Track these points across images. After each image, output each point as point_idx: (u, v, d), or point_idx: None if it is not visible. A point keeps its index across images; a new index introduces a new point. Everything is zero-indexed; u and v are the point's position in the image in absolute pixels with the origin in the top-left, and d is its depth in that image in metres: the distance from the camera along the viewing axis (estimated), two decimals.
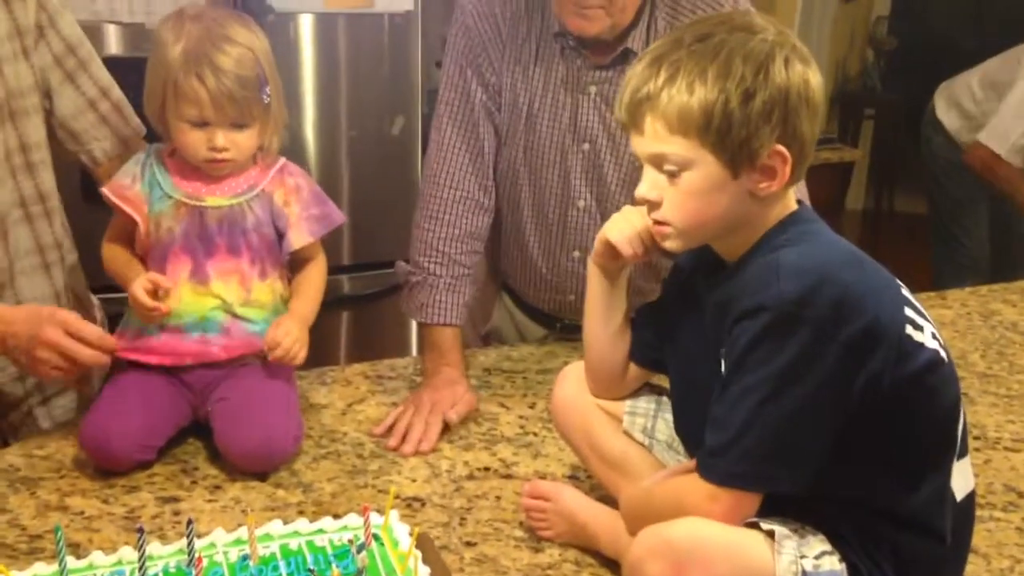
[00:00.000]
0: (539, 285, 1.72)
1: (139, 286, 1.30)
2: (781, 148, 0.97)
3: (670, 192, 0.99)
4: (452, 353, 1.58)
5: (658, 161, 0.99)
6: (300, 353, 1.36)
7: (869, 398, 0.95)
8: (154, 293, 1.31)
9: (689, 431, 1.13)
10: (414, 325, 1.74)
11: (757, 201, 0.99)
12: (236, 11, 1.40)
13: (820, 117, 1.00)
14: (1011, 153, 2.80)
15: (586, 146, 1.58)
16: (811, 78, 0.98)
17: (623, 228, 1.11)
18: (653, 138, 0.98)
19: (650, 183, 1.01)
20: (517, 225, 1.67)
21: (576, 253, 1.64)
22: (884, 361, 0.94)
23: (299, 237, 1.39)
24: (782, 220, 1.02)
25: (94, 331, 1.29)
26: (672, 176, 0.99)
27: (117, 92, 1.52)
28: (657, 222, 1.02)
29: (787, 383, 0.93)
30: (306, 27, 2.67)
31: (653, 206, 1.01)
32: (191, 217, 1.35)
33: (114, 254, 1.39)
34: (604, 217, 1.48)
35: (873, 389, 0.95)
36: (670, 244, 1.03)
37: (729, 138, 0.95)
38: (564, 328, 1.76)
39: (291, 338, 1.35)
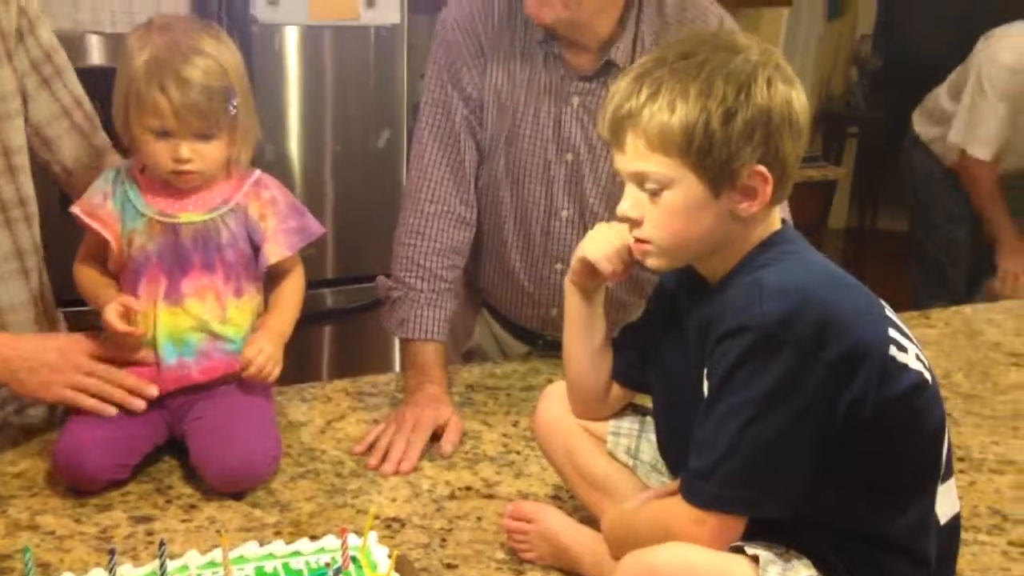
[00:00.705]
0: (521, 300, 1.70)
1: (112, 311, 1.28)
2: (762, 169, 0.96)
3: (652, 210, 0.99)
4: (434, 370, 1.55)
5: (639, 179, 0.99)
6: (274, 371, 1.34)
7: (853, 420, 0.94)
8: (127, 316, 1.29)
9: (673, 452, 1.12)
10: (398, 340, 1.72)
11: (739, 221, 0.99)
12: (208, 22, 1.39)
13: (804, 138, 0.99)
14: (982, 147, 2.83)
15: (569, 156, 1.58)
16: (794, 99, 0.97)
17: (601, 245, 1.10)
18: (634, 156, 0.98)
19: (632, 201, 1.00)
20: (499, 239, 1.66)
21: (559, 265, 1.63)
22: (868, 382, 0.94)
23: (275, 251, 1.37)
24: (764, 240, 1.01)
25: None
26: (653, 194, 0.98)
27: (89, 105, 1.51)
28: (639, 240, 1.01)
29: (770, 405, 0.92)
30: (291, 39, 2.66)
31: (634, 224, 1.01)
32: (165, 235, 1.33)
33: (87, 276, 1.38)
34: (586, 229, 1.48)
35: (857, 411, 0.94)
36: (652, 262, 1.03)
37: (710, 158, 0.95)
38: (546, 344, 1.75)
39: (264, 355, 1.33)
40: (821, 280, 0.98)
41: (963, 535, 1.23)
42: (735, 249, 1.01)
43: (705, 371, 0.98)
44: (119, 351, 1.33)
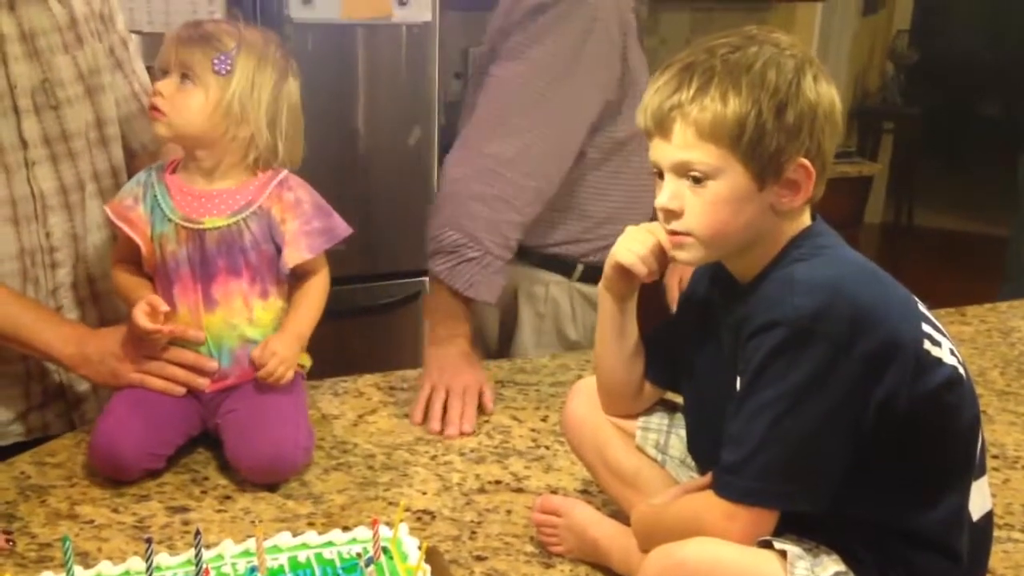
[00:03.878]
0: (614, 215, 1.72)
1: (139, 310, 1.31)
2: (806, 162, 0.97)
3: (693, 201, 0.98)
4: (466, 326, 1.61)
5: (683, 169, 0.98)
6: (286, 374, 1.35)
7: (887, 415, 0.94)
8: (154, 315, 1.31)
9: (703, 451, 1.12)
10: (427, 335, 1.73)
11: (777, 215, 0.99)
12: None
13: (839, 135, 1.01)
14: None
15: None
16: (835, 97, 0.99)
17: (634, 248, 1.09)
18: (682, 144, 0.97)
19: (671, 192, 0.99)
20: (635, 173, 1.69)
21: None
22: (901, 376, 0.93)
23: (295, 255, 1.38)
24: (796, 236, 1.01)
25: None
26: (697, 183, 0.98)
27: None
28: (675, 232, 1.01)
29: (803, 399, 0.92)
30: (324, 38, 2.68)
31: (673, 216, 1.00)
32: (192, 241, 1.34)
33: (122, 279, 1.40)
34: None
35: (890, 406, 0.93)
36: (687, 255, 1.02)
37: (760, 149, 0.95)
38: (586, 271, 1.77)
39: (276, 359, 1.34)
40: (853, 274, 0.98)
41: (996, 533, 1.22)
42: (769, 245, 1.00)
43: (739, 368, 0.98)
44: (145, 351, 1.35)
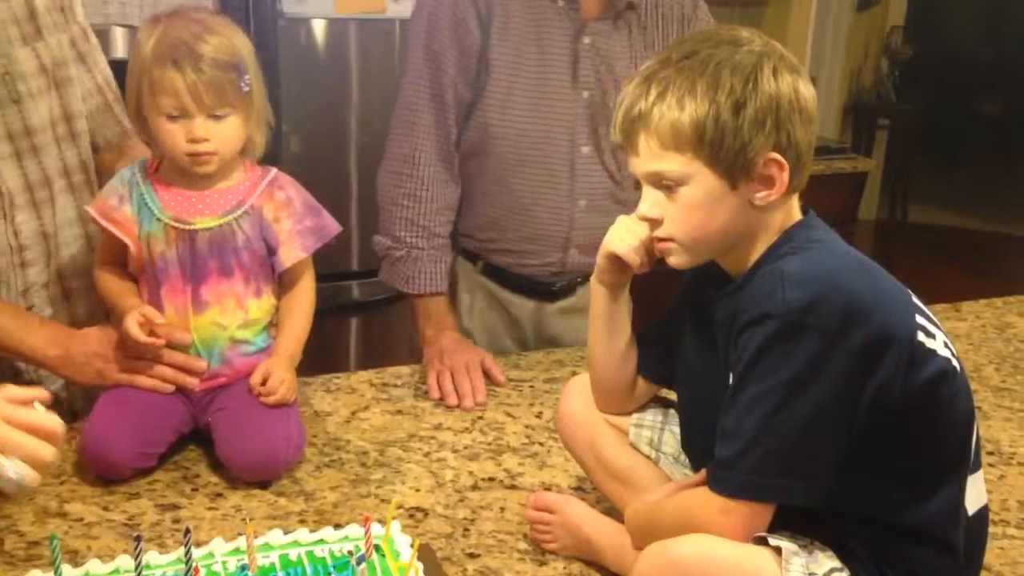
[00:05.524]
0: (540, 245, 1.74)
1: (133, 321, 1.29)
2: (776, 155, 0.96)
3: (671, 208, 1.00)
4: (447, 318, 1.70)
5: (656, 179, 1.00)
6: (290, 397, 1.35)
7: (881, 406, 0.93)
8: (147, 327, 1.30)
9: (697, 449, 1.11)
10: (418, 333, 1.74)
11: (758, 211, 0.99)
12: (213, 10, 1.40)
13: (814, 124, 1.00)
14: None
15: (585, 94, 1.66)
16: (801, 86, 0.98)
17: (626, 239, 1.09)
18: (648, 156, 0.99)
19: (650, 202, 1.01)
20: (520, 182, 1.70)
21: (582, 202, 1.70)
22: (895, 368, 0.93)
23: (291, 254, 1.37)
24: (787, 230, 1.01)
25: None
26: (670, 191, 0.99)
27: (116, 87, 1.55)
28: (660, 239, 1.02)
29: (796, 392, 0.92)
30: (317, 32, 2.67)
31: (655, 224, 1.02)
32: (182, 241, 1.33)
33: (107, 282, 1.38)
34: (602, 165, 1.69)
35: (885, 397, 0.93)
36: (675, 260, 1.03)
37: (723, 150, 0.95)
38: (558, 291, 1.81)
39: (285, 387, 1.34)
40: (845, 267, 0.97)
41: (992, 529, 1.22)
42: (757, 241, 1.00)
43: (731, 363, 0.98)
44: (135, 354, 1.34)
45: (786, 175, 0.97)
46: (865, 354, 0.91)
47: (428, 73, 1.65)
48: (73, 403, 1.49)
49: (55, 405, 1.49)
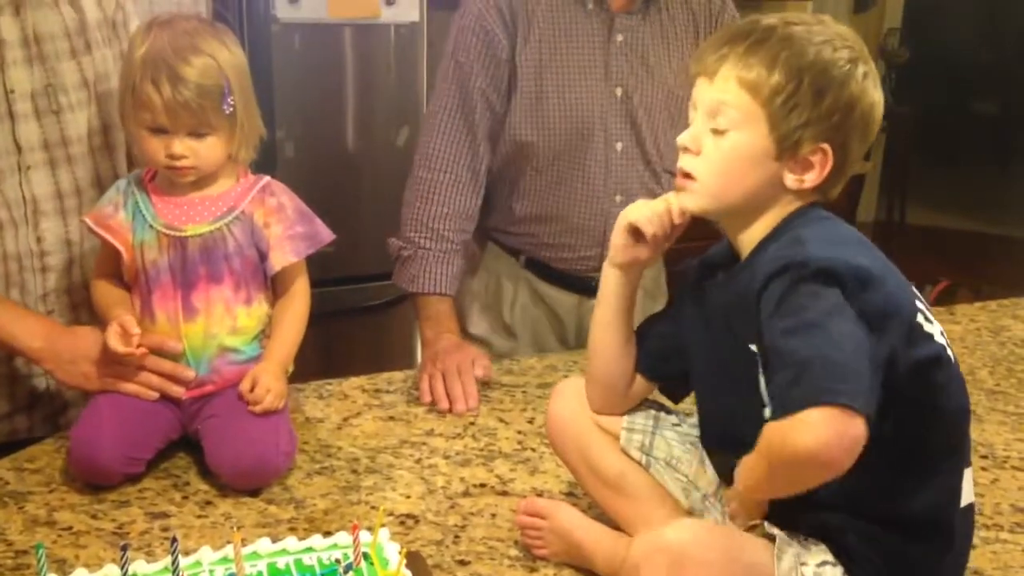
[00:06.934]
0: (579, 240, 1.75)
1: (111, 332, 1.30)
2: (827, 147, 0.98)
3: (710, 148, 1.01)
4: (448, 320, 1.69)
5: (715, 110, 1.01)
6: (278, 405, 1.34)
7: (887, 380, 0.91)
8: (126, 337, 1.30)
9: (722, 437, 1.09)
10: (419, 336, 1.75)
11: (783, 191, 1.01)
12: (213, 22, 1.41)
13: (866, 145, 1.03)
14: None
15: (619, 91, 1.68)
16: (878, 103, 1.01)
17: (643, 210, 1.10)
18: (722, 86, 1.00)
19: (694, 133, 1.03)
20: (556, 180, 1.71)
21: (618, 198, 1.71)
22: (899, 339, 0.94)
23: (281, 257, 1.37)
24: (796, 211, 1.02)
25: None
26: (719, 134, 1.00)
27: None
28: (685, 173, 1.03)
29: (831, 316, 0.90)
30: (311, 37, 2.66)
31: (688, 153, 1.03)
32: (173, 248, 1.33)
33: (100, 292, 1.38)
34: (643, 158, 1.72)
35: (889, 369, 0.92)
36: (689, 201, 1.04)
37: (789, 117, 0.98)
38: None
39: (272, 395, 1.33)
40: (854, 243, 1.00)
41: (985, 533, 1.22)
42: (766, 218, 1.02)
43: (752, 335, 0.96)
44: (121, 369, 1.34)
45: (827, 171, 0.99)
46: (878, 315, 0.92)
47: (456, 80, 1.67)
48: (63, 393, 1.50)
49: (65, 408, 1.51)
